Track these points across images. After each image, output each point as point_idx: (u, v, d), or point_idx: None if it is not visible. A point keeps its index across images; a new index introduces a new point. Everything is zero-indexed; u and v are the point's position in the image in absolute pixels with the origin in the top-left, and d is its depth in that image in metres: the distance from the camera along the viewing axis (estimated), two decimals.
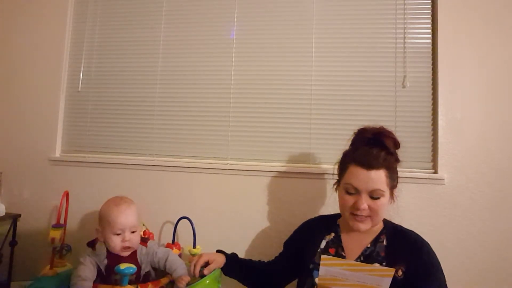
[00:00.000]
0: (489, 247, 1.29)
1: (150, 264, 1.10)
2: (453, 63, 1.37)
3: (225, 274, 1.10)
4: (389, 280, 0.76)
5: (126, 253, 1.04)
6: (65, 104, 1.68)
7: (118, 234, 1.03)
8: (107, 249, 1.05)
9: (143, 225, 1.39)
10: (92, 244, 1.10)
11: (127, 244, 1.03)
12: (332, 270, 0.81)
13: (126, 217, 1.04)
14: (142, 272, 1.07)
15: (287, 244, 1.17)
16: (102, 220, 1.06)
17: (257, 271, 1.14)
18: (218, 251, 1.14)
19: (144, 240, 1.13)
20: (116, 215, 1.03)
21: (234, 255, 1.14)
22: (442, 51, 1.38)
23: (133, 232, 1.05)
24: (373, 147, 0.94)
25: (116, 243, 1.02)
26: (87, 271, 1.00)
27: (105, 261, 1.04)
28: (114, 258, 1.03)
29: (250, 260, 1.19)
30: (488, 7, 1.38)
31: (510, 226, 1.29)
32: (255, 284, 1.14)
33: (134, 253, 1.07)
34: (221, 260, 1.08)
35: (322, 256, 0.82)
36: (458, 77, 1.37)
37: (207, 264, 1.04)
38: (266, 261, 1.19)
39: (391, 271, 0.76)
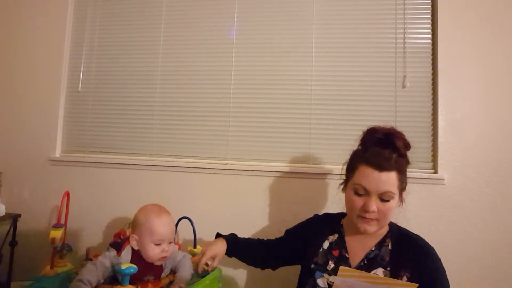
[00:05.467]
0: (489, 247, 1.29)
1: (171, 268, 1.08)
2: (453, 63, 1.38)
3: (228, 256, 1.10)
4: None
5: (161, 262, 1.02)
6: (65, 104, 1.68)
7: (158, 244, 0.99)
8: (132, 256, 1.00)
9: None
10: (117, 247, 1.02)
11: (165, 254, 1.00)
12: (349, 281, 0.77)
13: (168, 229, 1.02)
14: (163, 275, 1.05)
15: (289, 233, 1.16)
16: (141, 228, 1.00)
17: (256, 252, 1.14)
18: (217, 234, 1.14)
19: None
20: (159, 225, 1.00)
21: (233, 238, 1.13)
22: (442, 51, 1.38)
23: (170, 242, 1.03)
24: (384, 148, 0.91)
25: (156, 252, 0.99)
26: (91, 275, 0.94)
27: None
28: (139, 266, 0.96)
29: (250, 240, 1.19)
30: (488, 7, 1.38)
31: (510, 226, 1.29)
32: (253, 263, 1.15)
33: None
34: (222, 248, 1.06)
35: (341, 268, 0.79)
36: (458, 77, 1.37)
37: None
38: (265, 239, 1.19)
39: (413, 286, 0.72)
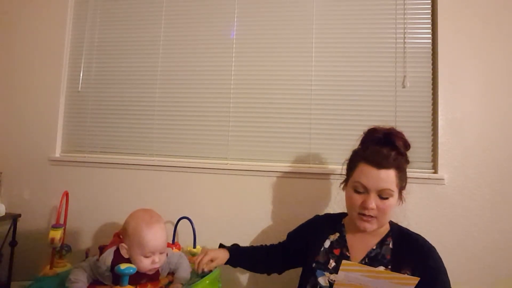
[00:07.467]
0: (489, 247, 1.29)
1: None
2: (453, 63, 1.38)
3: (232, 266, 1.11)
4: None
5: (152, 272, 0.98)
6: (65, 104, 1.68)
7: (148, 256, 0.95)
8: (116, 260, 0.95)
9: None
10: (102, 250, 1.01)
11: (156, 265, 0.96)
12: (351, 276, 0.77)
13: (159, 240, 0.96)
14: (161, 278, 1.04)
15: (291, 236, 1.17)
16: (130, 238, 0.95)
17: (260, 259, 1.15)
18: (220, 245, 1.14)
19: None
20: (149, 238, 0.94)
21: (236, 248, 1.15)
22: (442, 51, 1.38)
23: (161, 253, 0.98)
24: (383, 147, 0.93)
25: (146, 264, 0.95)
26: (79, 274, 0.96)
27: (109, 274, 0.95)
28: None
29: (252, 247, 1.20)
30: (487, 7, 1.38)
31: (510, 226, 1.29)
32: (258, 270, 1.16)
33: None
34: (223, 256, 1.08)
35: (343, 262, 0.79)
36: (458, 77, 1.37)
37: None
38: (267, 245, 1.20)
39: (414, 280, 0.73)
